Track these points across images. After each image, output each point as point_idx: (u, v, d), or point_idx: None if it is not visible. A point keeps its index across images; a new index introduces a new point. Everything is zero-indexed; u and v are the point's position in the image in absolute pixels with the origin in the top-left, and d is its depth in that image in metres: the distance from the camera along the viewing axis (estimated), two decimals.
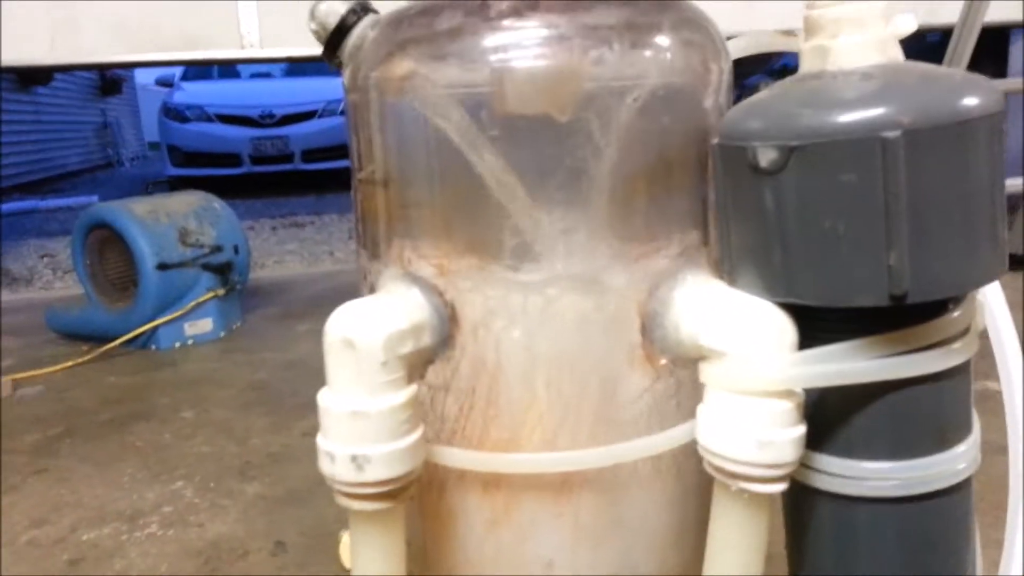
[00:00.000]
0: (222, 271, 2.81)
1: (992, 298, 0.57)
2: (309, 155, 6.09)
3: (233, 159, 6.08)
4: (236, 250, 2.88)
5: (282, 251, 4.36)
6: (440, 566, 0.57)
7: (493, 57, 0.51)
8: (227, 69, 6.93)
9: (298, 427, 1.89)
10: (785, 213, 0.46)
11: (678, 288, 0.53)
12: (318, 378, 0.51)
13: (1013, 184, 3.08)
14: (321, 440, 0.49)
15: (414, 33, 0.54)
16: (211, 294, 2.75)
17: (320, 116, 6.09)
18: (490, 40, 0.52)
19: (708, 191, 0.55)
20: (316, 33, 0.60)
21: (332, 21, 0.59)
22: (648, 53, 0.52)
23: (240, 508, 1.62)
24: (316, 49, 0.61)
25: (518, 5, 0.52)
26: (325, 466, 0.49)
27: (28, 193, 6.52)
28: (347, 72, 0.58)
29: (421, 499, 0.57)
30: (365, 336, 0.48)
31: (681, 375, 0.55)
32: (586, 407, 0.53)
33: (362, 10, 0.59)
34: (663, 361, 0.54)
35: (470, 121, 0.51)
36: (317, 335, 0.49)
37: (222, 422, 2.05)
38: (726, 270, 0.52)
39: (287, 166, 6.14)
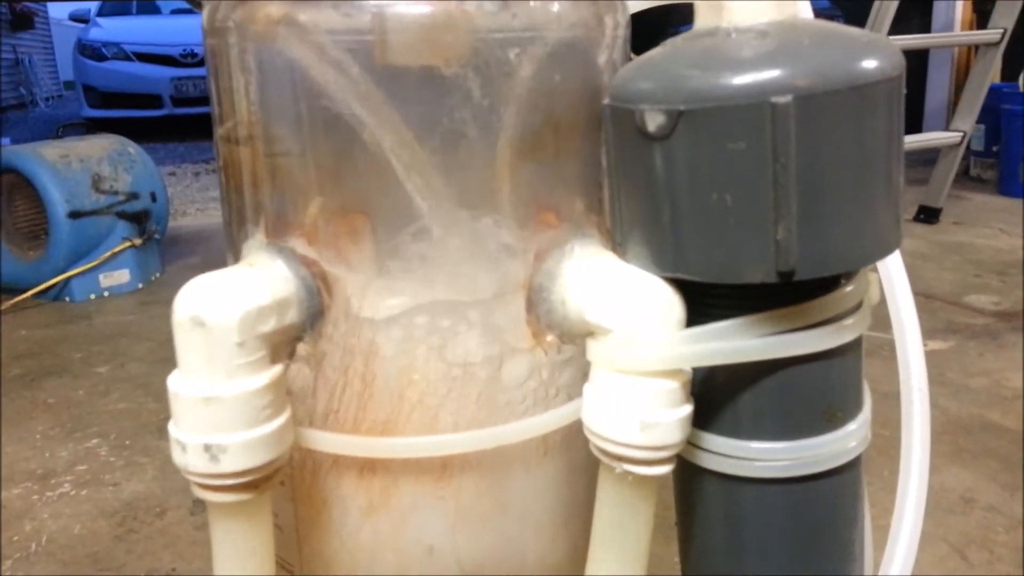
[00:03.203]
0: (138, 219, 2.69)
1: (892, 269, 0.55)
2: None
3: (154, 100, 5.81)
4: (153, 197, 2.76)
5: (205, 198, 4.20)
6: (315, 553, 0.54)
7: (371, 2, 0.46)
8: (146, 4, 6.57)
9: None
10: (674, 182, 0.43)
11: (566, 260, 0.50)
12: None
13: (933, 138, 3.15)
14: (172, 428, 0.45)
15: None
16: (127, 244, 2.64)
17: None
18: None
19: (601, 156, 0.51)
20: None
21: None
22: (535, 4, 0.47)
23: (158, 466, 1.57)
24: None
25: None
26: (177, 456, 0.44)
27: None
28: (205, 13, 0.52)
29: (293, 485, 0.53)
30: (218, 314, 0.43)
31: (570, 352, 0.52)
32: (468, 387, 0.50)
33: None
34: (550, 338, 0.50)
35: (348, 72, 0.46)
36: None
37: (139, 377, 1.98)
38: (617, 241, 0.49)
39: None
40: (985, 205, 3.37)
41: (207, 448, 0.43)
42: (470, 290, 0.49)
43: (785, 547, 0.49)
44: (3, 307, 2.41)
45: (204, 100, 5.96)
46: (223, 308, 0.44)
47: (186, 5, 6.54)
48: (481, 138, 0.48)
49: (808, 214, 0.41)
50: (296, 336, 0.49)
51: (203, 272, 0.46)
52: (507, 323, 0.50)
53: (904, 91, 0.43)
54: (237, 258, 0.52)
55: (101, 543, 1.31)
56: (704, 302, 0.46)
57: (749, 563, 0.50)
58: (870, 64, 0.41)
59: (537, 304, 0.50)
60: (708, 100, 0.40)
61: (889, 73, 0.41)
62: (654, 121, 0.42)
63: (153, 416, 1.77)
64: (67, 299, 2.55)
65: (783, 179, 0.40)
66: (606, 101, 0.46)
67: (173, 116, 5.93)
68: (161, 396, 1.87)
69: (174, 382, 0.44)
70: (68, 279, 2.54)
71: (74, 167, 2.60)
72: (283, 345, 0.48)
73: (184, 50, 5.84)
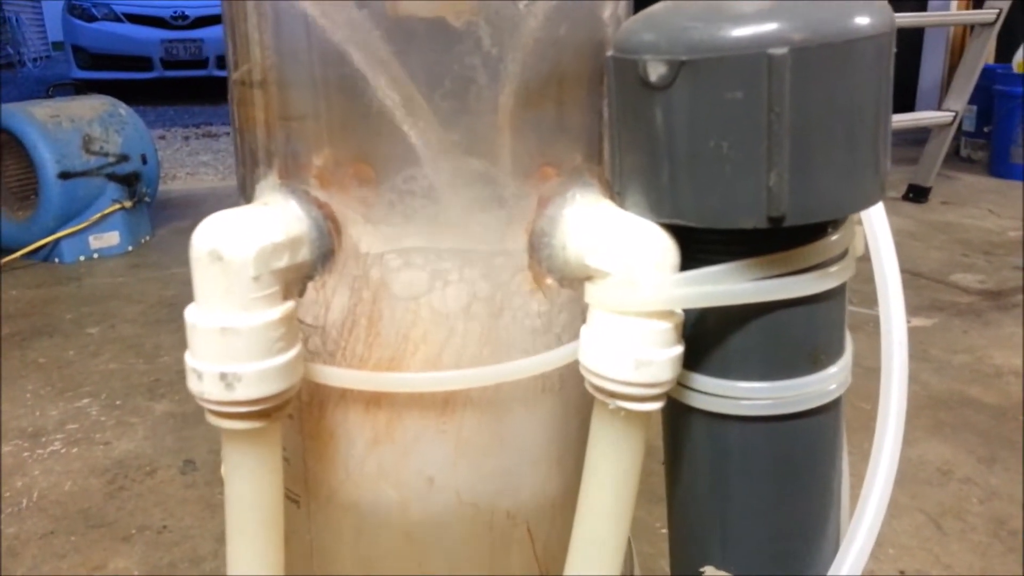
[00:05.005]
0: (129, 182, 2.69)
1: (876, 222, 0.58)
2: (225, 61, 5.84)
3: (143, 62, 5.77)
4: (144, 160, 2.75)
5: (195, 162, 4.19)
6: (321, 484, 0.56)
7: None
8: None
9: None
10: (673, 131, 0.45)
11: (567, 207, 0.52)
12: None
13: (924, 117, 3.16)
14: (189, 358, 0.47)
15: None
16: (117, 206, 2.63)
17: None
18: None
19: (603, 107, 0.53)
20: None
21: None
22: None
23: (148, 426, 1.59)
24: None
25: None
26: (193, 384, 0.47)
27: None
28: None
29: (301, 417, 0.55)
30: (235, 249, 0.45)
31: (568, 295, 0.54)
32: (471, 327, 0.52)
33: None
34: (550, 281, 0.53)
35: (358, 22, 0.48)
36: None
37: (130, 339, 1.99)
38: (616, 190, 0.51)
39: (201, 71, 5.86)
40: (975, 186, 3.40)
41: (223, 376, 0.46)
42: (474, 235, 0.51)
43: (767, 483, 0.52)
44: None
45: (194, 64, 5.92)
46: (240, 243, 0.45)
47: None
48: (489, 87, 0.49)
49: (799, 162, 0.43)
50: (307, 274, 0.51)
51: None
52: (509, 267, 0.52)
53: (894, 48, 0.46)
54: (249, 199, 0.54)
55: (92, 500, 1.33)
56: (698, 247, 0.48)
57: (732, 498, 0.53)
58: (862, 20, 0.43)
59: (539, 249, 0.52)
60: (708, 51, 0.42)
61: (880, 29, 0.43)
62: (656, 71, 0.44)
63: (143, 377, 1.79)
64: (57, 260, 2.55)
65: (777, 128, 0.42)
66: (610, 53, 0.48)
67: (163, 79, 5.89)
68: (151, 358, 1.89)
69: (191, 314, 0.46)
70: (58, 240, 2.54)
71: (65, 127, 2.59)
72: (295, 282, 0.50)
73: (174, 12, 5.79)
